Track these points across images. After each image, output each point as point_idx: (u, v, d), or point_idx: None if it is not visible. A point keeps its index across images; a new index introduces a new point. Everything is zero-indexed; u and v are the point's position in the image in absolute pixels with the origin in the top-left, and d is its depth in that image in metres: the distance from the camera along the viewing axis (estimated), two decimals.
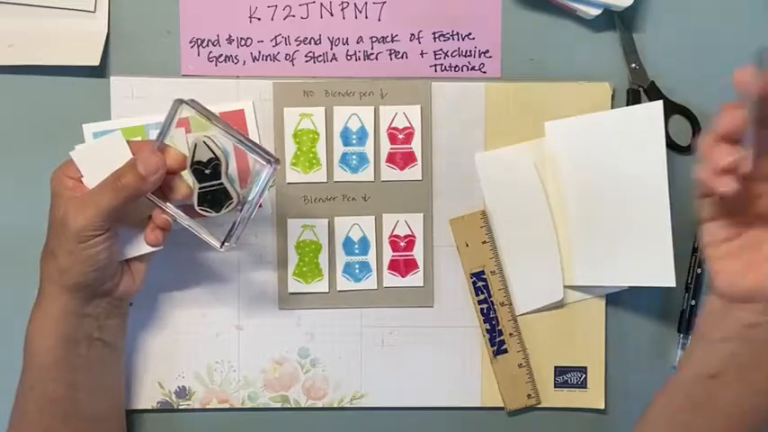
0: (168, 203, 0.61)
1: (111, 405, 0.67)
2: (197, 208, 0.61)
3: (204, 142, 0.60)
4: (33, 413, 0.62)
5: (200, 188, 0.61)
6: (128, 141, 0.60)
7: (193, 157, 0.60)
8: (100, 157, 0.59)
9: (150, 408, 0.71)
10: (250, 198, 0.60)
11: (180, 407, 0.71)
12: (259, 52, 0.70)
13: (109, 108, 0.69)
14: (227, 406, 0.71)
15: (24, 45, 0.68)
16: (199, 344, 0.71)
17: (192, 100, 0.60)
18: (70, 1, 0.68)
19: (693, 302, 0.72)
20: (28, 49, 0.68)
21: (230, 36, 0.70)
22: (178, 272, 0.71)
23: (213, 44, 0.70)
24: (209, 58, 0.70)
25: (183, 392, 0.71)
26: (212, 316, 0.71)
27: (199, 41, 0.70)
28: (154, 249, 0.63)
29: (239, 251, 0.71)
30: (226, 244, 0.61)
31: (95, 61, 0.68)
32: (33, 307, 0.61)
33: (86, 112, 0.69)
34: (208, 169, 0.60)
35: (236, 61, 0.70)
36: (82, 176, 0.60)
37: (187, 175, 0.61)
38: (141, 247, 0.63)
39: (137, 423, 0.72)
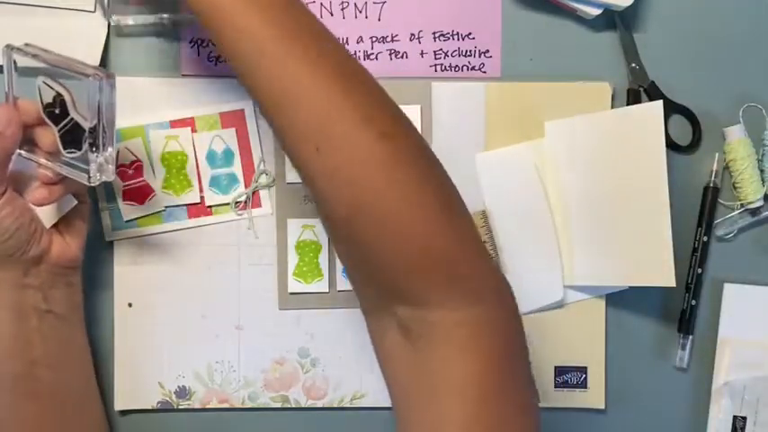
0: (41, 158, 0.60)
1: (79, 382, 0.67)
2: (64, 153, 0.59)
3: (44, 82, 0.58)
4: None
5: (58, 131, 0.59)
6: None
7: (42, 101, 0.59)
8: None
9: (150, 408, 0.71)
10: (91, 122, 0.57)
11: (180, 407, 0.71)
12: None
13: None
14: (227, 406, 0.71)
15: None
16: (199, 344, 0.71)
17: (26, 44, 0.59)
18: (70, 1, 0.68)
19: (694, 302, 0.72)
20: None
21: None
22: (178, 272, 0.71)
23: (213, 44, 0.70)
24: (209, 58, 0.70)
25: (183, 392, 0.71)
26: (212, 316, 0.71)
27: (199, 41, 0.70)
28: (67, 209, 0.63)
29: (239, 251, 0.71)
30: (91, 177, 0.58)
31: (95, 61, 0.68)
32: None
33: None
34: (57, 108, 0.58)
35: None
36: None
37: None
38: (56, 210, 0.62)
39: (137, 423, 0.72)
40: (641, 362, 0.73)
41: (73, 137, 0.58)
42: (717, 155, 0.71)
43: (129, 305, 0.71)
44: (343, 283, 0.71)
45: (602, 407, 0.72)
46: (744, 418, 0.72)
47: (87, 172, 0.58)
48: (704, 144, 0.72)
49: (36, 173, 0.61)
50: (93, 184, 0.59)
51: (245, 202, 0.70)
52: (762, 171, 0.71)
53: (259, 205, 0.71)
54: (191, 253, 0.71)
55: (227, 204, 0.70)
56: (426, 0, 0.70)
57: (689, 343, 0.72)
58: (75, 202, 0.64)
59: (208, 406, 0.71)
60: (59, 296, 0.64)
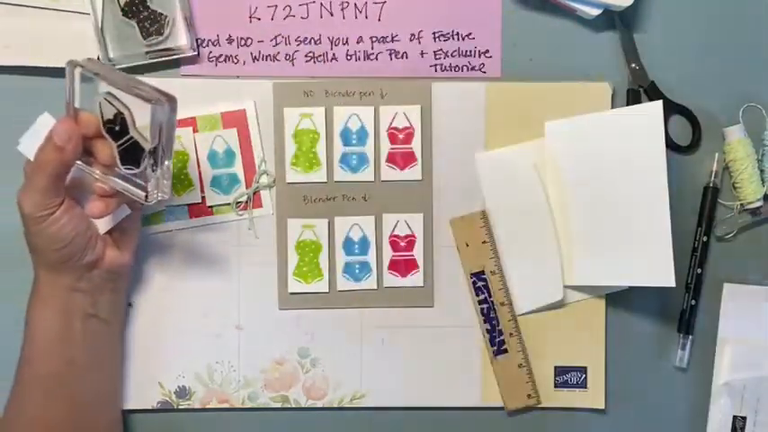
0: (96, 170, 0.61)
1: (108, 385, 0.68)
2: (121, 168, 0.59)
3: (106, 99, 0.58)
4: (30, 387, 0.63)
5: (117, 146, 0.59)
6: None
7: (102, 117, 0.59)
8: (39, 141, 0.59)
9: (150, 408, 0.71)
10: (152, 144, 0.58)
11: (180, 407, 0.71)
12: (259, 52, 0.70)
13: None
14: (227, 406, 0.71)
15: (21, 45, 0.68)
16: (199, 344, 0.71)
17: (89, 59, 0.59)
18: (67, 2, 0.68)
19: (693, 302, 0.72)
20: (24, 49, 0.68)
21: (230, 36, 0.70)
22: (178, 272, 0.71)
23: (213, 44, 0.70)
24: (209, 58, 0.70)
25: (183, 392, 0.71)
26: (212, 316, 0.71)
27: (199, 41, 0.70)
28: (121, 217, 0.63)
29: (239, 251, 0.71)
30: (149, 196, 0.59)
31: None
32: (31, 291, 0.63)
33: None
34: (117, 126, 0.59)
35: (236, 61, 0.70)
36: None
37: None
38: (110, 218, 0.63)
39: (137, 423, 0.72)
40: (641, 362, 0.73)
41: (131, 154, 0.59)
42: (717, 155, 0.71)
43: (129, 305, 0.71)
44: (343, 283, 0.71)
45: (602, 407, 0.72)
46: (743, 418, 0.72)
47: (145, 189, 0.59)
48: (704, 144, 0.72)
49: (92, 182, 0.61)
50: (150, 203, 0.60)
51: (246, 202, 0.70)
52: (762, 171, 0.71)
53: (260, 205, 0.71)
54: (191, 253, 0.71)
55: (228, 204, 0.70)
56: (426, 0, 0.70)
57: (689, 343, 0.72)
58: (129, 211, 0.64)
59: (208, 406, 0.71)
60: (105, 301, 0.65)
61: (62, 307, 0.62)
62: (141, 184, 0.60)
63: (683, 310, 0.72)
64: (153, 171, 0.59)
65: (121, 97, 0.58)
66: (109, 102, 0.58)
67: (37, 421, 0.63)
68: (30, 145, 0.60)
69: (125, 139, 0.59)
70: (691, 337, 0.72)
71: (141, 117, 0.58)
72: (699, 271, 0.72)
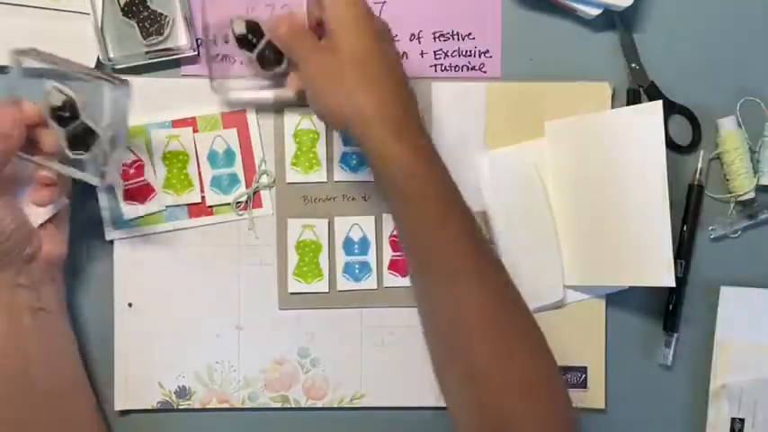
0: (39, 157, 0.62)
1: (70, 376, 0.68)
2: (69, 153, 0.61)
3: (54, 87, 0.60)
4: None
5: (66, 132, 0.61)
6: None
7: (50, 104, 0.60)
8: None
9: (150, 408, 0.71)
10: (104, 124, 0.59)
11: (180, 407, 0.71)
12: None
13: None
14: (227, 406, 0.71)
15: (21, 46, 0.68)
16: (199, 344, 0.71)
17: (33, 48, 0.60)
18: (67, 2, 0.68)
19: (678, 301, 0.71)
20: None
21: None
22: (178, 272, 0.71)
23: (213, 44, 0.70)
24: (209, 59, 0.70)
25: (183, 392, 0.71)
26: (212, 316, 0.71)
27: (199, 41, 0.69)
28: (59, 208, 0.64)
29: (239, 251, 0.71)
30: (106, 177, 0.61)
31: (91, 64, 0.68)
32: None
33: None
34: (66, 112, 0.60)
35: (236, 61, 0.70)
36: None
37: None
38: (47, 209, 0.63)
39: (137, 423, 0.72)
40: (641, 362, 0.73)
41: (81, 140, 0.60)
42: (702, 152, 0.71)
43: (129, 305, 0.71)
44: (343, 283, 0.71)
45: (602, 407, 0.72)
46: (742, 420, 0.72)
47: (97, 173, 0.61)
48: (704, 144, 0.72)
49: (31, 173, 0.62)
50: (104, 185, 0.61)
51: (246, 202, 0.70)
52: (758, 162, 0.71)
53: (260, 205, 0.71)
54: (191, 253, 0.71)
55: (228, 204, 0.70)
56: (426, 0, 0.70)
57: (674, 341, 0.72)
58: (67, 201, 0.65)
59: (208, 406, 0.71)
60: (49, 292, 0.65)
61: (7, 305, 0.62)
62: (92, 168, 0.61)
63: (667, 307, 0.72)
64: (107, 153, 0.60)
65: (70, 85, 0.60)
66: (58, 89, 0.60)
67: (3, 422, 0.63)
68: None
69: (75, 124, 0.60)
70: (676, 335, 0.72)
71: (93, 102, 0.60)
72: (682, 268, 0.71)
